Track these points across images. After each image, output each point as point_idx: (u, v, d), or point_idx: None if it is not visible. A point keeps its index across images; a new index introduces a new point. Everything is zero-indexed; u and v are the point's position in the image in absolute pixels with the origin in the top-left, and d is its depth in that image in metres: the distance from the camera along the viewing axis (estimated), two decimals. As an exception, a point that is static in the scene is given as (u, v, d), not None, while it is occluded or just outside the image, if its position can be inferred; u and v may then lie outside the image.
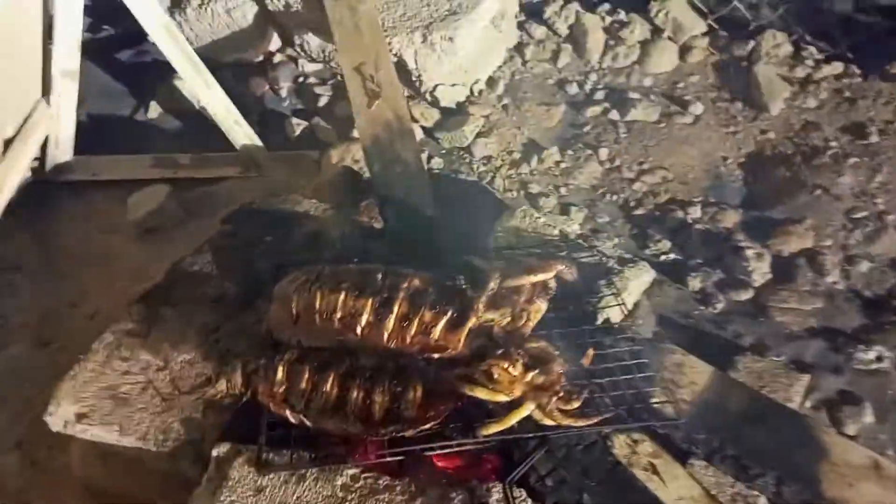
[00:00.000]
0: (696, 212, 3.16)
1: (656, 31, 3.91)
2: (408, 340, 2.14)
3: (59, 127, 3.62)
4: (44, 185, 3.78)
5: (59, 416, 2.21)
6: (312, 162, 3.78)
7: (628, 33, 3.87)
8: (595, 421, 2.00)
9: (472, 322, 2.14)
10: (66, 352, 2.78)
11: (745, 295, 2.87)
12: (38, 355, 2.98)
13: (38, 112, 3.45)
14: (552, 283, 2.38)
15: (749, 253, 2.88)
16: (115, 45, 4.90)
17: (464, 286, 2.30)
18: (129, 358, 2.36)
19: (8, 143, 3.25)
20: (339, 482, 1.95)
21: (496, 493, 1.93)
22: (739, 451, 2.19)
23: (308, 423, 1.96)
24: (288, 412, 1.99)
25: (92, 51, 4.65)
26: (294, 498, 1.90)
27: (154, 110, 4.32)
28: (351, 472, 1.98)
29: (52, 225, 3.63)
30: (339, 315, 2.21)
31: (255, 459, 1.97)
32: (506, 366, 2.00)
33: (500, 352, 2.04)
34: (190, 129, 4.22)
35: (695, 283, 2.93)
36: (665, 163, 3.39)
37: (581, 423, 2.00)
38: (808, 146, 3.33)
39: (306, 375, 2.02)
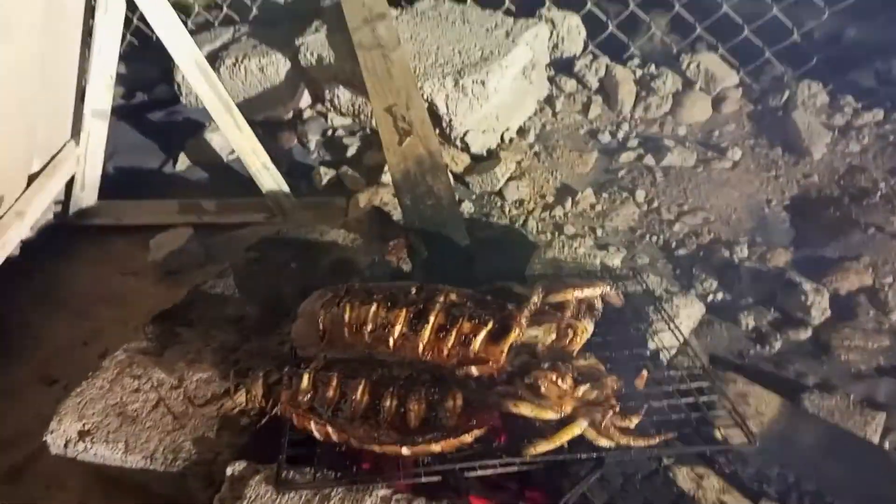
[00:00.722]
0: (742, 251, 2.99)
1: (688, 83, 3.90)
2: (445, 353, 1.96)
3: (85, 168, 3.59)
4: (66, 228, 3.72)
5: (61, 435, 2.02)
6: (339, 208, 3.70)
7: (660, 84, 3.85)
8: (658, 441, 1.77)
9: (515, 334, 1.96)
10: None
11: (804, 334, 2.65)
12: (43, 391, 2.79)
13: (66, 150, 3.43)
14: (598, 305, 2.21)
15: (806, 290, 2.68)
16: (147, 108, 5.00)
17: (504, 303, 2.13)
18: (141, 376, 2.18)
19: (32, 177, 3.21)
20: (367, 502, 1.71)
21: (548, 518, 1.68)
22: (819, 487, 1.92)
23: (333, 433, 1.75)
24: (312, 423, 1.79)
25: (124, 115, 4.76)
26: (316, 518, 1.67)
27: (182, 163, 4.32)
28: (382, 493, 1.74)
29: (71, 266, 3.53)
30: (369, 328, 2.05)
31: (275, 477, 1.75)
32: (554, 378, 1.81)
33: (546, 365, 1.85)
34: (217, 181, 4.19)
35: (748, 321, 2.73)
36: (706, 205, 3.27)
37: (641, 442, 1.76)
38: (855, 188, 3.19)
39: (334, 383, 1.83)
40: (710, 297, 2.87)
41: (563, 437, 1.73)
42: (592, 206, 3.37)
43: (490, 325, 1.96)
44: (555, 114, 3.95)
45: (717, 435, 1.89)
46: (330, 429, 1.78)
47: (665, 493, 1.83)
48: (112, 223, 3.73)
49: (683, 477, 1.93)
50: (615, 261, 2.87)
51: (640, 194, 3.38)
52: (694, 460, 2.00)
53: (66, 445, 1.99)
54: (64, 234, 3.68)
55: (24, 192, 3.07)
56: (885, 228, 2.95)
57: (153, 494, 1.99)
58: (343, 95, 4.22)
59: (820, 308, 2.66)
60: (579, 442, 1.76)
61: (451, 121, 3.68)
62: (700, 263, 3.00)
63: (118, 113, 4.74)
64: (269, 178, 3.63)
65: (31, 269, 3.45)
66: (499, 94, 3.66)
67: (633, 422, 1.78)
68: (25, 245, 3.44)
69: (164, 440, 1.96)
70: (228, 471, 1.81)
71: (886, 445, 2.25)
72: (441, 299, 2.05)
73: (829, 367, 2.51)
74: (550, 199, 3.46)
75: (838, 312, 2.69)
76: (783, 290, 2.76)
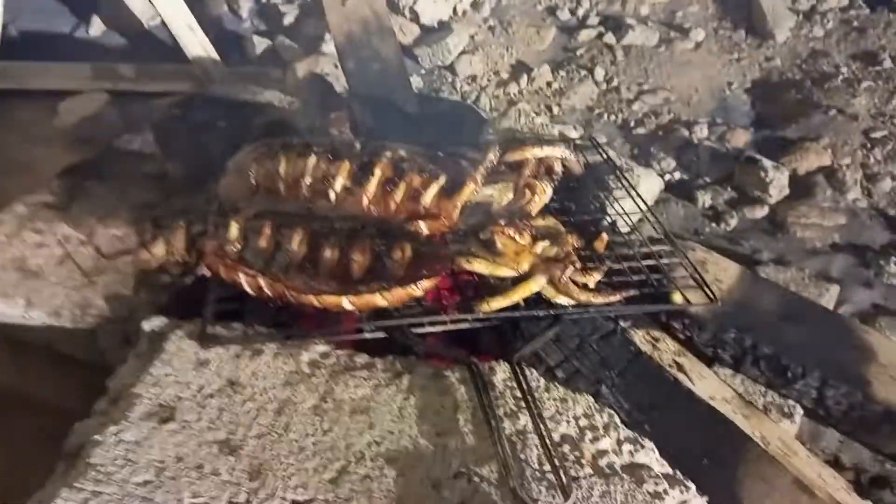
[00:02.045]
0: (702, 131, 2.88)
1: (652, -40, 3.68)
2: (392, 207, 1.77)
3: (-19, 23, 3.14)
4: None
5: (-50, 291, 1.76)
6: (275, 79, 3.38)
7: (623, -41, 3.62)
8: (619, 297, 1.65)
9: (469, 189, 1.78)
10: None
11: (761, 212, 2.59)
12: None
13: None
14: (558, 169, 2.05)
15: (765, 167, 2.59)
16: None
17: (458, 160, 1.94)
18: (44, 231, 1.91)
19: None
20: (304, 358, 1.54)
21: (501, 373, 1.55)
22: (776, 350, 1.86)
23: (266, 285, 1.56)
24: (242, 275, 1.59)
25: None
26: (248, 373, 1.49)
27: (97, 27, 3.86)
28: (320, 349, 1.58)
29: (-34, 134, 3.13)
30: (307, 181, 1.84)
31: (199, 332, 1.56)
32: (511, 233, 1.65)
33: (503, 221, 1.69)
34: (137, 48, 3.77)
35: (705, 199, 2.64)
36: (667, 85, 3.12)
37: (602, 299, 1.64)
38: (817, 72, 3.10)
39: (267, 232, 1.62)
40: (668, 177, 2.76)
41: (520, 294, 1.59)
42: (549, 84, 3.18)
43: (442, 179, 1.78)
44: (511, -13, 3.69)
45: (678, 298, 1.79)
46: (262, 281, 1.57)
47: (623, 353, 1.73)
48: (15, 87, 3.31)
49: (640, 339, 1.83)
50: (573, 133, 2.70)
51: (600, 73, 3.19)
52: (650, 324, 1.92)
53: (-44, 303, 1.75)
54: (-42, 97, 3.25)
55: None
56: (846, 110, 2.87)
57: (60, 355, 1.78)
58: (280, -42, 3.83)
59: (778, 186, 2.58)
60: (537, 300, 1.63)
61: (399, -14, 3.38)
62: (659, 143, 2.88)
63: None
64: (196, 41, 3.27)
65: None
66: (452, -41, 3.36)
67: (594, 278, 1.65)
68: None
69: (71, 296, 1.73)
70: (145, 326, 1.60)
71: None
72: (388, 153, 1.85)
73: (785, 243, 2.46)
74: (505, 75, 3.25)
75: (796, 191, 2.63)
76: (742, 168, 2.67)
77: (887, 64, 3.04)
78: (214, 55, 3.34)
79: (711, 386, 1.80)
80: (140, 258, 1.69)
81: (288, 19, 3.70)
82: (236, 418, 1.39)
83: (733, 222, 2.54)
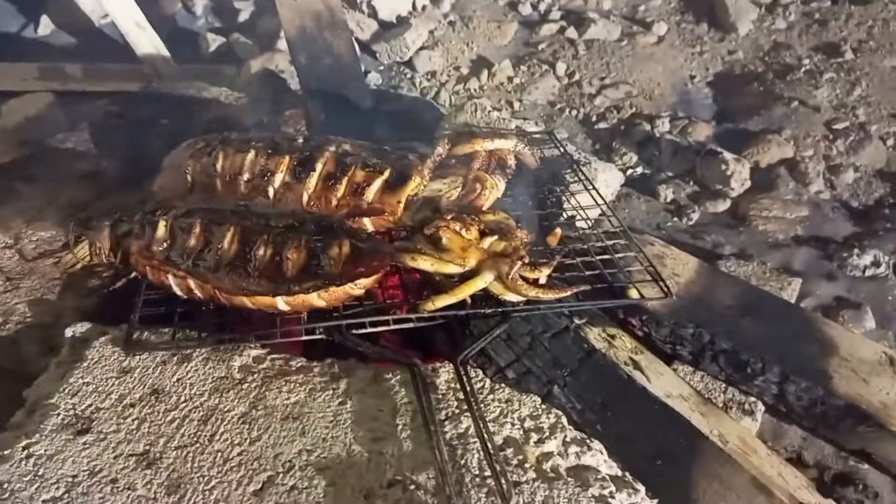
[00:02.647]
0: (664, 125, 2.83)
1: (614, -46, 3.64)
2: (334, 203, 1.70)
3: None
4: None
5: None
6: (229, 77, 3.28)
7: (585, -47, 3.57)
8: (569, 292, 1.57)
9: (414, 183, 1.71)
10: None
11: (723, 205, 2.54)
12: None
13: None
14: (511, 163, 1.98)
15: (726, 160, 2.54)
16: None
17: (405, 154, 1.87)
18: (-34, 234, 1.81)
19: None
20: (236, 363, 1.46)
21: (445, 374, 1.47)
22: (735, 345, 1.81)
23: (196, 286, 1.47)
24: (171, 277, 1.50)
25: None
26: (173, 380, 1.40)
27: (45, 26, 3.74)
28: (254, 352, 1.49)
29: None
30: (245, 177, 1.76)
31: (125, 338, 1.46)
32: (458, 228, 1.57)
33: (450, 216, 1.61)
34: (87, 47, 3.65)
35: (666, 194, 2.59)
36: (629, 79, 3.07)
37: (551, 294, 1.57)
38: (779, 64, 3.06)
39: (197, 230, 1.53)
40: (630, 171, 2.70)
41: (466, 291, 1.52)
42: (510, 79, 3.12)
43: (387, 173, 1.71)
44: (472, -18, 3.62)
45: (633, 293, 1.72)
46: (192, 282, 1.49)
47: (575, 351, 1.66)
48: (-44, 88, 3.18)
49: (595, 337, 1.76)
50: (532, 126, 2.64)
51: (561, 67, 3.14)
52: (606, 321, 1.85)
53: None
54: None
55: None
56: (808, 102, 2.84)
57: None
58: (235, -46, 3.73)
59: (740, 179, 2.54)
60: (485, 298, 1.55)
61: (356, -20, 3.30)
62: (620, 137, 2.82)
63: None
64: (145, 39, 3.16)
65: None
66: (410, -47, 3.29)
67: (543, 273, 1.57)
68: None
69: (-9, 303, 1.63)
70: (68, 332, 1.51)
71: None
72: (332, 148, 1.77)
73: (747, 236, 2.41)
74: (465, 70, 3.18)
75: (758, 184, 2.58)
76: (703, 161, 2.62)
77: (849, 55, 3.02)
78: (165, 53, 3.24)
79: (669, 383, 1.74)
80: (64, 260, 1.59)
81: (243, 16, 3.61)
82: (157, 429, 1.30)
83: (695, 216, 2.49)
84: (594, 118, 2.90)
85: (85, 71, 3.28)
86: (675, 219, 2.50)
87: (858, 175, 2.59)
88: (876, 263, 2.27)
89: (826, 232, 2.42)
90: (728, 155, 2.55)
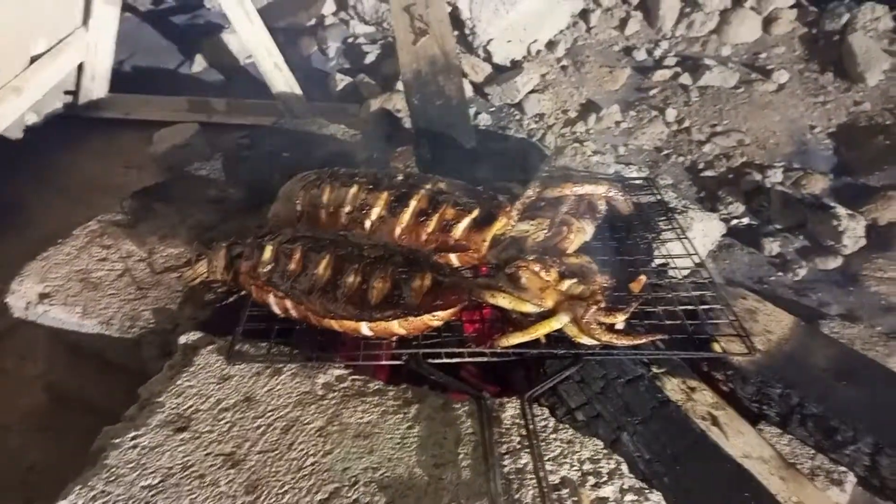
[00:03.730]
0: (776, 175, 2.74)
1: (738, 1, 3.57)
2: (423, 238, 1.81)
3: (95, 58, 3.48)
4: (75, 119, 3.64)
5: (21, 296, 1.94)
6: (352, 114, 3.53)
7: (707, 0, 3.54)
8: (644, 340, 1.58)
9: (501, 223, 1.79)
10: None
11: (834, 263, 2.42)
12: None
13: (75, 36, 3.32)
14: (601, 208, 2.01)
15: (839, 215, 2.42)
16: (173, 11, 4.87)
17: (496, 195, 1.95)
18: (111, 246, 2.08)
19: (35, 58, 3.11)
20: (320, 380, 1.59)
21: (511, 409, 1.52)
22: (825, 410, 1.72)
23: (292, 306, 1.62)
24: (271, 296, 1.66)
25: (150, 18, 4.64)
26: (264, 390, 1.55)
27: (198, 64, 4.19)
28: (338, 372, 1.62)
29: (75, 156, 3.47)
30: (347, 209, 1.91)
31: (228, 348, 1.64)
32: (537, 269, 1.63)
33: (531, 257, 1.67)
34: (232, 83, 4.06)
35: (772, 247, 2.50)
36: (742, 127, 3.00)
37: (625, 341, 1.58)
38: (910, 117, 2.88)
39: (297, 255, 1.69)
40: (735, 222, 2.64)
41: (540, 330, 1.56)
42: (617, 124, 3.14)
43: (475, 212, 1.80)
44: (589, 28, 3.67)
45: (715, 346, 1.70)
46: (288, 302, 1.64)
47: (648, 400, 1.65)
48: (120, 117, 3.64)
49: (674, 387, 1.75)
50: (632, 172, 2.64)
51: (671, 113, 3.12)
52: (688, 373, 1.82)
53: (26, 307, 1.92)
54: (73, 124, 3.61)
55: (24, 69, 2.97)
56: (938, 159, 2.66)
57: (109, 362, 1.91)
58: (367, 2, 4.02)
59: (854, 236, 2.41)
60: (560, 339, 1.59)
61: (474, 27, 3.46)
62: (728, 186, 2.76)
63: (144, 16, 4.64)
64: (281, 79, 3.48)
65: (36, 155, 3.40)
66: (528, 1, 3.41)
67: (619, 319, 1.59)
68: (33, 132, 3.39)
69: (122, 308, 1.87)
70: (182, 339, 1.70)
71: (911, 381, 2.03)
72: (427, 186, 1.89)
73: (857, 297, 2.28)
74: (573, 114, 3.23)
75: (875, 243, 2.44)
76: (815, 215, 2.51)
77: None
78: (298, 91, 3.53)
79: (749, 443, 1.68)
80: (185, 275, 1.80)
81: (370, 58, 3.87)
82: (245, 433, 1.45)
83: (802, 272, 2.38)
84: (701, 165, 2.85)
85: (228, 105, 3.65)
86: (780, 273, 2.41)
87: None
88: None
89: (947, 298, 2.25)
90: (842, 210, 2.43)
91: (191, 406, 1.51)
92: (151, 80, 4.10)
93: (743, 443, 1.68)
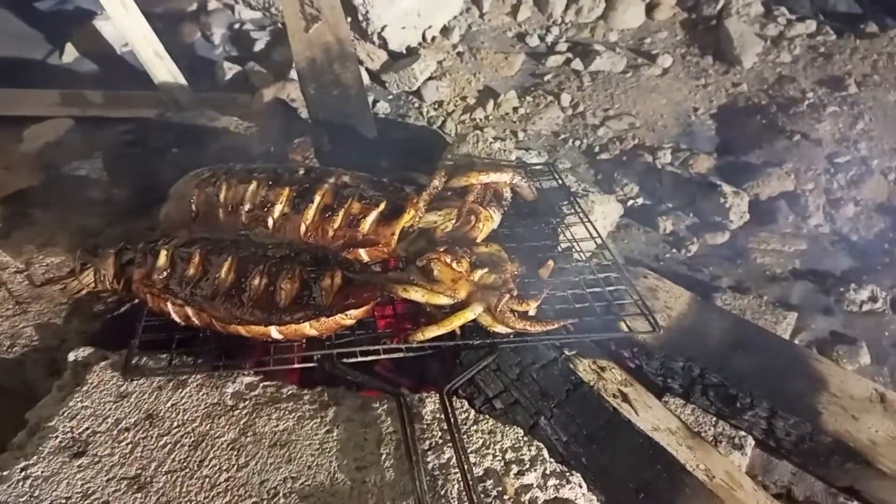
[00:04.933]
0: (665, 156, 2.86)
1: (622, -13, 3.69)
2: (330, 234, 1.75)
3: (-51, 48, 3.15)
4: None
5: None
6: (243, 105, 3.38)
7: (593, -13, 3.64)
8: (557, 325, 1.61)
9: (408, 216, 1.76)
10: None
11: (722, 238, 2.56)
12: None
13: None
14: (507, 195, 2.02)
15: (725, 193, 2.57)
16: (35, -5, 4.47)
17: (402, 186, 1.92)
18: (-19, 258, 1.89)
19: None
20: (229, 390, 1.51)
21: (431, 404, 1.51)
22: (725, 379, 1.82)
23: (193, 314, 1.53)
24: (170, 304, 1.56)
25: (10, 4, 4.24)
26: (168, 405, 1.45)
27: (69, 53, 3.87)
28: (248, 379, 1.54)
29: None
30: (247, 207, 1.82)
31: (123, 363, 1.52)
32: (448, 260, 1.61)
33: (442, 248, 1.65)
34: (109, 74, 3.78)
35: (666, 225, 2.61)
36: (632, 110, 3.11)
37: (539, 327, 1.60)
38: (783, 97, 3.09)
39: (196, 259, 1.59)
40: (630, 202, 2.74)
41: (455, 322, 1.55)
42: (515, 110, 3.17)
43: (382, 205, 1.75)
44: (482, 14, 3.69)
45: (622, 326, 1.75)
46: (189, 310, 1.54)
47: (562, 383, 1.69)
48: (-18, 114, 3.31)
49: (585, 368, 1.79)
50: (533, 158, 2.68)
51: (566, 98, 3.19)
52: (598, 353, 1.88)
53: None
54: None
55: None
56: (810, 136, 2.86)
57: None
58: (253, -14, 3.85)
59: (739, 212, 2.56)
60: (475, 329, 1.59)
61: (367, 13, 3.38)
62: (622, 168, 2.86)
63: (3, 2, 4.23)
64: (163, 68, 3.26)
65: None
66: (421, -13, 3.38)
67: (532, 306, 1.61)
68: None
69: (1, 326, 1.70)
70: (71, 356, 1.57)
71: (796, 343, 2.19)
72: (331, 180, 1.82)
73: (745, 269, 2.43)
74: (472, 100, 3.24)
75: (757, 217, 2.60)
76: (703, 194, 2.65)
77: (853, 89, 3.04)
78: (182, 81, 3.33)
79: (657, 416, 1.76)
80: (70, 286, 1.66)
81: (259, 45, 3.71)
82: (150, 453, 1.35)
83: (694, 248, 2.51)
84: (597, 149, 2.94)
85: (105, 97, 3.39)
86: (674, 250, 2.53)
87: (859, 209, 2.60)
88: (873, 298, 2.28)
89: (824, 266, 2.43)
90: (727, 187, 2.57)
91: (87, 428, 1.39)
92: (17, 72, 3.74)
93: (652, 416, 1.75)
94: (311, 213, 1.76)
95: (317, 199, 1.76)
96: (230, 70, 3.58)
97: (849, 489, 1.77)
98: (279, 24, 3.82)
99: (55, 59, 3.89)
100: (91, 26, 3.84)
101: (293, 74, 3.40)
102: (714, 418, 1.88)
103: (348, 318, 1.51)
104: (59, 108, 3.35)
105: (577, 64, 3.36)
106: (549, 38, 3.55)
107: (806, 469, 1.81)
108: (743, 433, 1.84)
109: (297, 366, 1.55)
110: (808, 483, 1.84)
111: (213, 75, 3.64)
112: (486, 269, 1.64)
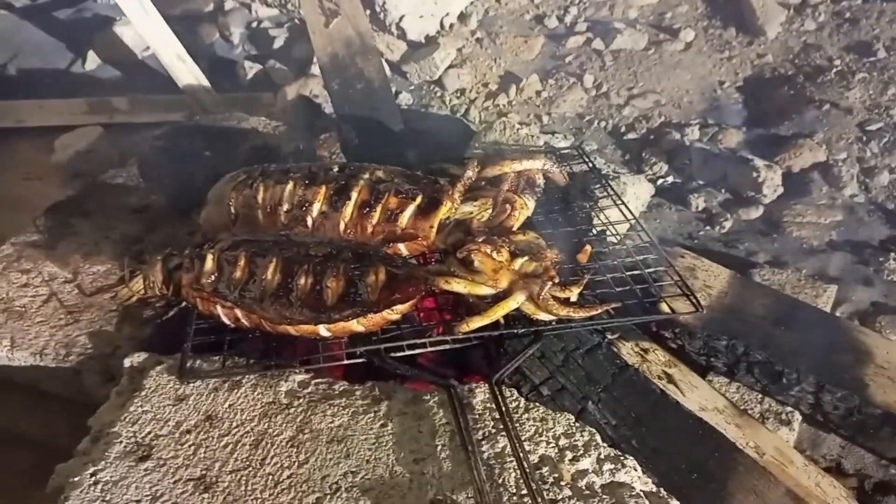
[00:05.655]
0: (693, 133, 2.84)
1: (639, -37, 3.65)
2: (369, 230, 1.76)
3: (-23, 63, 3.20)
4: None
5: (-63, 336, 1.77)
6: (266, 104, 3.40)
7: (610, -37, 3.59)
8: (600, 311, 1.61)
9: (446, 208, 1.77)
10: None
11: (755, 213, 2.54)
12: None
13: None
14: (539, 181, 2.02)
15: (757, 167, 2.54)
16: (53, 6, 4.51)
17: (436, 179, 1.92)
18: (31, 270, 1.94)
19: None
20: (283, 388, 1.54)
21: (481, 394, 1.53)
22: (769, 355, 1.82)
23: (243, 316, 1.56)
24: (219, 307, 1.59)
25: (28, 14, 4.29)
26: (225, 406, 1.49)
27: (92, 61, 3.92)
28: (299, 377, 1.57)
29: (-34, 173, 3.18)
30: (285, 208, 1.84)
31: (179, 367, 1.56)
32: (488, 251, 1.62)
33: (480, 238, 1.66)
34: (132, 79, 3.82)
35: (698, 203, 2.60)
36: (657, 87, 3.09)
37: (582, 313, 1.60)
38: (810, 66, 3.04)
39: (241, 262, 1.61)
40: (661, 181, 2.73)
41: (499, 312, 1.57)
42: (538, 93, 3.16)
43: (419, 199, 1.76)
44: (498, -2, 3.68)
45: (664, 307, 1.76)
46: (239, 312, 1.57)
47: (608, 367, 1.70)
48: (12, 125, 3.37)
49: (628, 351, 1.80)
50: (561, 143, 2.68)
51: (589, 79, 3.17)
52: (639, 335, 1.88)
53: (-57, 348, 1.76)
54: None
55: None
56: (840, 104, 2.82)
57: (45, 393, 1.79)
58: (268, -17, 3.86)
59: (772, 185, 2.54)
60: (518, 317, 1.60)
61: (384, 3, 3.38)
62: (650, 147, 2.84)
63: (21, 13, 4.29)
64: (186, 71, 3.30)
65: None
66: (436, -26, 3.36)
67: (574, 293, 1.61)
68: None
69: (55, 335, 1.74)
70: (126, 362, 1.61)
71: (838, 315, 2.18)
72: (366, 176, 1.84)
73: (781, 243, 2.41)
74: (494, 87, 3.23)
75: (791, 189, 2.58)
76: (734, 169, 2.63)
77: (881, 54, 2.99)
78: (205, 83, 3.36)
79: (703, 396, 1.76)
80: (120, 294, 1.69)
81: (278, 43, 3.73)
82: (213, 454, 1.39)
83: (728, 224, 2.50)
84: (623, 129, 2.92)
85: (130, 103, 3.43)
86: (708, 227, 2.52)
87: (894, 176, 2.56)
88: (914, 267, 2.26)
89: (861, 236, 2.41)
90: (759, 161, 2.55)
91: (149, 432, 1.43)
92: (41, 82, 3.80)
93: (698, 396, 1.76)
94: (349, 210, 1.77)
95: (354, 195, 1.78)
96: (251, 69, 3.60)
97: (900, 460, 1.77)
98: (296, 21, 3.82)
99: (78, 67, 3.94)
100: (111, 33, 3.87)
101: (314, 70, 3.41)
102: (759, 395, 1.88)
103: (395, 312, 1.53)
104: (87, 116, 3.40)
105: (597, 43, 3.33)
106: (568, 19, 3.52)
107: (855, 442, 1.81)
108: (790, 409, 1.84)
109: (346, 362, 1.57)
110: (857, 456, 1.84)
111: (235, 75, 3.67)
112: (526, 258, 1.65)
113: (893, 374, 1.80)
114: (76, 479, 1.34)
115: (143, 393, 1.52)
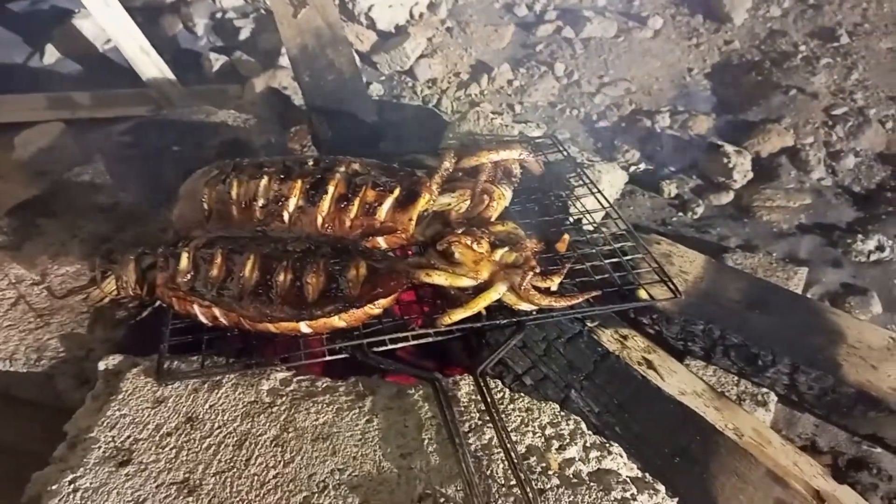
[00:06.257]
0: (664, 120, 2.86)
1: (606, -50, 3.66)
2: (348, 224, 1.74)
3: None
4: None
5: None
6: (234, 96, 3.34)
7: (577, -49, 3.60)
8: (581, 300, 1.62)
9: (424, 200, 1.75)
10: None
11: (726, 198, 2.58)
12: None
13: None
14: (516, 171, 2.02)
15: (727, 153, 2.58)
16: (8, -3, 4.36)
17: (413, 170, 1.90)
18: (-4, 273, 1.87)
19: None
20: (264, 387, 1.52)
21: (465, 386, 1.53)
22: (745, 338, 1.85)
23: (221, 314, 1.53)
24: (196, 306, 1.55)
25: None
26: (206, 407, 1.46)
27: (51, 55, 3.80)
28: (281, 375, 1.55)
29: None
30: (260, 203, 1.80)
31: (156, 368, 1.52)
32: (468, 242, 1.61)
33: (460, 230, 1.66)
34: (93, 74, 3.72)
35: (670, 189, 2.63)
36: (627, 75, 3.11)
37: (563, 302, 1.61)
38: (776, 52, 3.09)
39: (218, 260, 1.57)
40: (633, 168, 2.75)
41: (481, 303, 1.56)
42: (510, 82, 3.16)
43: (396, 191, 1.74)
44: (467, -13, 3.66)
45: (642, 294, 1.77)
46: (217, 311, 1.54)
47: (589, 355, 1.71)
48: (-32, 123, 3.25)
49: (608, 339, 1.82)
50: (534, 132, 2.68)
51: (560, 67, 3.17)
52: (618, 322, 1.90)
53: None
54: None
55: None
56: (806, 89, 2.87)
57: (16, 399, 1.74)
58: (231, -28, 3.78)
59: (742, 170, 2.58)
60: (499, 308, 1.60)
61: (352, -7, 3.34)
62: (622, 134, 2.86)
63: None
64: (150, 64, 3.22)
65: None
66: (404, -37, 3.33)
67: (555, 282, 1.62)
68: None
69: (25, 339, 1.69)
70: (101, 365, 1.57)
71: (809, 297, 2.22)
72: (342, 168, 1.81)
73: (752, 227, 2.45)
74: (465, 76, 3.22)
75: (760, 174, 2.62)
76: (705, 155, 2.66)
77: (844, 39, 3.05)
78: (170, 76, 3.29)
79: (682, 380, 1.79)
80: (92, 296, 1.65)
81: (244, 34, 3.66)
82: (195, 456, 1.36)
83: (700, 210, 2.53)
84: (595, 117, 2.94)
85: (93, 98, 3.34)
86: (680, 213, 2.54)
87: (859, 160, 2.62)
88: (880, 248, 2.31)
89: (830, 219, 2.46)
90: (729, 147, 2.58)
91: (128, 436, 1.40)
92: (-2, 77, 3.69)
93: (677, 381, 1.78)
94: (326, 204, 1.75)
95: (330, 189, 1.75)
96: (217, 61, 3.53)
97: (872, 436, 1.81)
98: (262, 11, 3.76)
99: (36, 61, 3.82)
100: (70, 25, 3.76)
101: (282, 62, 3.36)
102: (735, 378, 1.91)
103: (377, 307, 1.51)
104: (47, 111, 3.30)
105: (567, 32, 3.34)
106: (538, 7, 3.52)
107: (829, 420, 1.85)
108: (765, 390, 1.88)
109: (328, 358, 1.55)
110: (831, 433, 1.89)
111: (200, 67, 3.59)
112: (506, 248, 1.65)
113: (865, 354, 1.85)
114: (54, 486, 1.31)
115: (121, 396, 1.48)
